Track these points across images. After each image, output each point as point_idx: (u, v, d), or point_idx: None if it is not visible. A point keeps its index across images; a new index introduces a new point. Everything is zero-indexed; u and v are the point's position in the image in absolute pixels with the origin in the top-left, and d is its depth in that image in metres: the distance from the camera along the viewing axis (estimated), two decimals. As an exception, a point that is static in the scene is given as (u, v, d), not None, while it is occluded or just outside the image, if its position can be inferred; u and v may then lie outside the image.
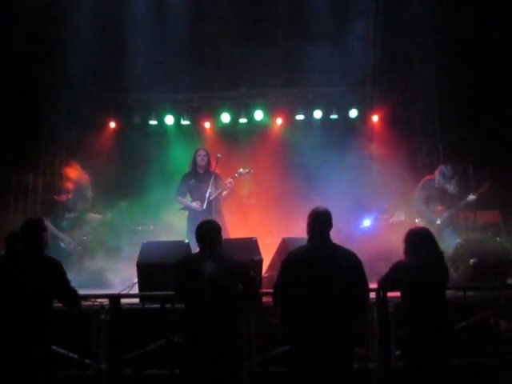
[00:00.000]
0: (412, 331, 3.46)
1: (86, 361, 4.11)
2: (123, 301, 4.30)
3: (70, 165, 7.01)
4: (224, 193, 6.67)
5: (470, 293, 4.43)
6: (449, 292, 3.91)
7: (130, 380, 4.00)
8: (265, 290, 4.10)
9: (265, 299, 4.05)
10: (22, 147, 7.33)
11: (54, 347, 3.90)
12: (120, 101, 8.35)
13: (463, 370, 3.76)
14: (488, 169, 6.72)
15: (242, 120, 8.42)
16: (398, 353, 3.98)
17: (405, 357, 3.59)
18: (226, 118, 8.37)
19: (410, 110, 8.35)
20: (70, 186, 6.72)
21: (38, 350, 3.34)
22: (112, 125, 8.38)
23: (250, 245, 4.75)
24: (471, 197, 6.20)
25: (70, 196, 6.74)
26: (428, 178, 6.65)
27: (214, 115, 8.44)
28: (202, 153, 6.81)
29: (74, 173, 6.83)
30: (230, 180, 6.53)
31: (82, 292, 4.14)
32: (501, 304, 4.48)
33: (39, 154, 7.83)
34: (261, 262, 4.63)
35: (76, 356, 4.03)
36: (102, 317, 4.28)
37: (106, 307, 4.24)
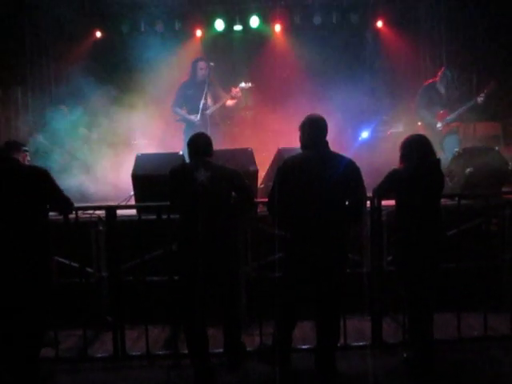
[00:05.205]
0: (404, 236, 3.52)
1: (88, 269, 4.24)
2: (121, 212, 4.33)
3: None
4: (231, 102, 6.56)
5: (464, 202, 4.45)
6: (443, 200, 3.93)
7: (132, 286, 4.15)
8: (260, 200, 4.12)
9: (260, 209, 4.09)
10: (7, 61, 7.04)
11: (56, 258, 4.03)
12: (106, 7, 7.82)
13: (451, 273, 3.89)
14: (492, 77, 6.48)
15: (237, 27, 7.99)
16: (389, 258, 4.10)
17: (395, 261, 3.70)
18: (219, 25, 7.92)
19: (416, 14, 7.89)
20: None
21: (36, 257, 3.40)
22: (98, 34, 7.93)
23: (246, 155, 4.70)
24: (479, 98, 6.03)
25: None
26: (430, 81, 6.49)
27: (207, 22, 7.98)
28: (203, 65, 6.53)
29: None
30: (237, 90, 6.44)
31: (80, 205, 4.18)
32: (492, 211, 4.55)
33: (25, 68, 7.53)
34: (256, 172, 4.62)
35: (77, 265, 4.14)
36: (101, 228, 4.36)
37: (104, 219, 4.27)
